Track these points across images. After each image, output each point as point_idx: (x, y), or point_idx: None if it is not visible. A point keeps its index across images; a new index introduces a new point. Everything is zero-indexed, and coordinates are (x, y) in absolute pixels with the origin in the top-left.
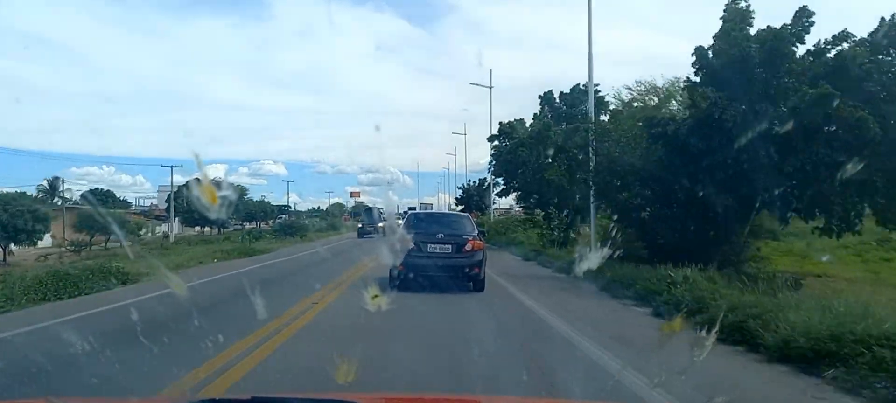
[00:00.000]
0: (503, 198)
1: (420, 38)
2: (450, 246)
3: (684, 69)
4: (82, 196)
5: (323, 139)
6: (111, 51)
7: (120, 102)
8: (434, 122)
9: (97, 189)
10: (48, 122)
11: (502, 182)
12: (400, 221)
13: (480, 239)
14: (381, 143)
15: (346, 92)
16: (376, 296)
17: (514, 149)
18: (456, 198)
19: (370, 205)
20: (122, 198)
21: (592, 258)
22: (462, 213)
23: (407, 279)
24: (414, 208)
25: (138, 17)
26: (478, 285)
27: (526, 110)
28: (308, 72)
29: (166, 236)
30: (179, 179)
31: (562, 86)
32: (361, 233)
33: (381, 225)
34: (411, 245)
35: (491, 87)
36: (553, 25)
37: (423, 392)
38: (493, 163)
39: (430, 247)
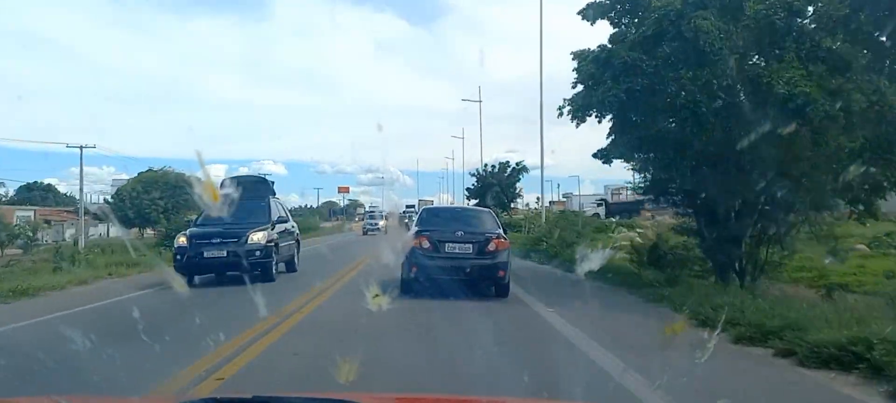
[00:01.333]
0: (621, 163)
1: (420, 37)
2: (470, 246)
3: None
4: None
5: (323, 139)
6: (110, 49)
7: (119, 101)
8: (434, 121)
9: (36, 182)
10: (43, 121)
11: (611, 124)
12: (377, 223)
13: (505, 238)
14: (381, 143)
15: (346, 91)
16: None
17: (658, 31)
18: (467, 190)
19: (240, 175)
20: (67, 194)
21: None
22: (483, 208)
23: (420, 284)
24: (412, 206)
25: (137, 15)
26: (502, 290)
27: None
28: (308, 72)
29: (76, 242)
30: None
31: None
32: (183, 265)
33: (259, 238)
34: (427, 244)
35: None
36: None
37: (425, 392)
38: (585, 84)
39: (448, 247)
